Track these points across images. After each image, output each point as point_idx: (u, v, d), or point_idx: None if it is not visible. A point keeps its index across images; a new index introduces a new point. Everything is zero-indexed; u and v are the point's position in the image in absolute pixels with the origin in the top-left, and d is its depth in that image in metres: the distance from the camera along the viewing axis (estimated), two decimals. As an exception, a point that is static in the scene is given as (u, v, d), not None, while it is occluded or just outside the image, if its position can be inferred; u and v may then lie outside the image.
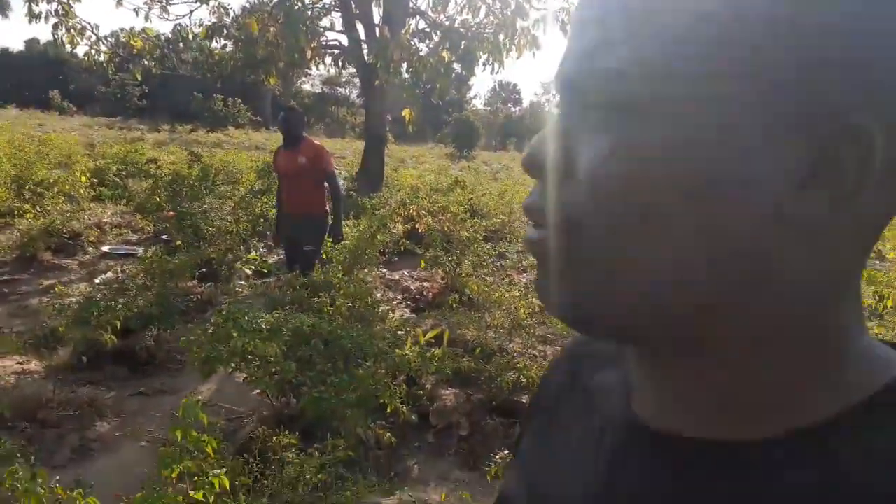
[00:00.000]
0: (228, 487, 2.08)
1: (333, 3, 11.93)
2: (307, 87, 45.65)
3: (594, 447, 0.49)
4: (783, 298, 0.39)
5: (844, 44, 0.35)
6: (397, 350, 3.79)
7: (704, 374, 0.42)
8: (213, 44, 11.77)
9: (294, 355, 3.65)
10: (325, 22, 12.36)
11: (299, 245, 5.26)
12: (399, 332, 4.27)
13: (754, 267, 0.38)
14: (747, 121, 0.36)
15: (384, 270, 7.18)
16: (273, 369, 3.51)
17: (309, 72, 33.01)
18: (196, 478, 2.00)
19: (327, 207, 5.32)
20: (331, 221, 5.32)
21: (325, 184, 5.26)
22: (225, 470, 2.12)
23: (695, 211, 0.37)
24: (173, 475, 1.97)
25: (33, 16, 10.99)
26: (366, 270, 6.00)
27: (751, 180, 0.36)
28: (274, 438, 3.22)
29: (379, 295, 5.81)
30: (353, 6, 11.35)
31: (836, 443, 0.38)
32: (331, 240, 5.36)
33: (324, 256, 5.64)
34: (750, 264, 0.38)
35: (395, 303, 6.06)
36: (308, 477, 2.87)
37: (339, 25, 12.09)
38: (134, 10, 11.43)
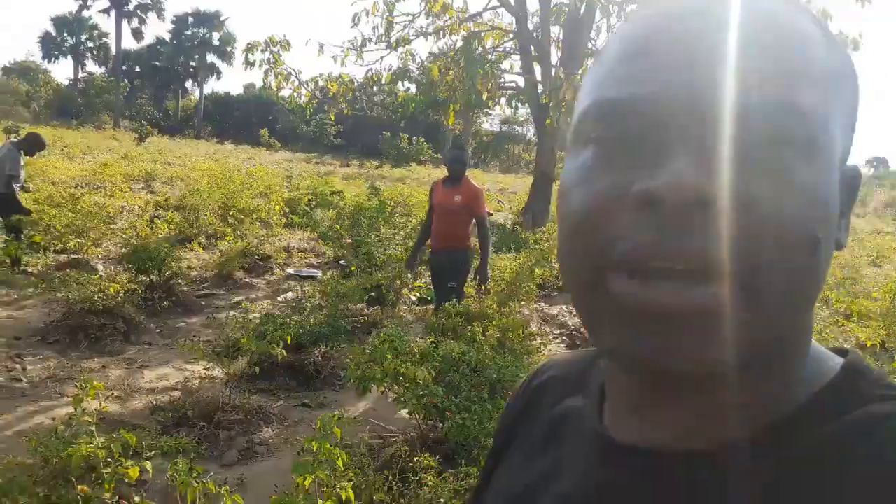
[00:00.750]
0: (353, 500, 2.18)
1: (513, 46, 12.28)
2: (486, 125, 46.93)
3: (568, 469, 0.51)
4: (807, 316, 0.45)
5: (852, 100, 0.45)
6: (544, 384, 3.75)
7: (705, 394, 0.44)
8: (399, 87, 12.58)
9: (443, 380, 3.74)
10: (504, 65, 12.75)
11: (443, 280, 5.35)
12: (548, 368, 4.22)
13: (817, 290, 0.43)
14: (838, 164, 0.43)
15: (542, 304, 7.16)
16: (421, 392, 3.62)
17: (489, 112, 34.03)
18: (325, 488, 2.12)
19: (472, 244, 5.39)
20: (477, 263, 5.35)
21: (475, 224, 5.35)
22: (352, 483, 2.22)
23: (828, 243, 0.42)
24: (306, 483, 2.10)
25: (249, 64, 12.40)
26: (522, 303, 6.01)
27: (837, 213, 0.43)
28: (415, 459, 3.31)
29: (534, 328, 5.80)
30: (533, 49, 11.60)
31: (792, 444, 0.42)
32: (477, 280, 5.33)
33: (466, 293, 5.67)
34: (818, 288, 0.43)
35: (549, 337, 6.01)
36: (443, 501, 2.92)
37: (517, 68, 12.41)
38: (332, 57, 12.50)
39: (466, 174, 5.35)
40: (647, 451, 0.46)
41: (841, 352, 0.48)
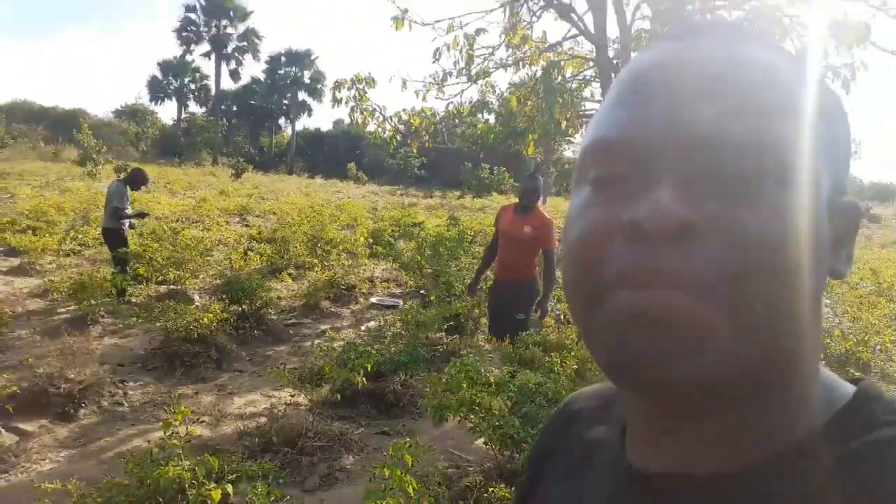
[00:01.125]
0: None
1: (594, 74, 12.22)
2: (568, 153, 46.60)
3: (593, 498, 0.54)
4: (807, 346, 0.46)
5: (841, 136, 0.49)
6: (621, 417, 3.68)
7: (713, 422, 0.46)
8: (479, 118, 12.73)
9: (519, 411, 3.74)
10: (585, 92, 12.70)
11: (507, 311, 5.18)
12: (627, 400, 4.14)
13: (811, 320, 0.45)
14: (824, 194, 0.45)
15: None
16: (497, 422, 3.63)
17: (571, 140, 33.76)
18: (397, 514, 2.16)
19: (537, 275, 5.22)
20: (540, 294, 5.18)
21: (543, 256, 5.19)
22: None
23: (814, 271, 0.44)
24: (378, 508, 2.15)
25: (336, 101, 12.87)
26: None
27: (825, 242, 0.45)
28: (490, 490, 3.31)
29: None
30: (613, 76, 11.51)
31: (810, 462, 0.44)
32: (537, 314, 5.19)
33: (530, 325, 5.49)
34: (812, 318, 0.45)
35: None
36: (517, 532, 2.90)
37: (598, 95, 12.33)
38: (415, 92, 12.83)
39: (539, 204, 5.22)
40: (663, 477, 0.48)
41: (856, 381, 0.50)
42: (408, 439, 2.33)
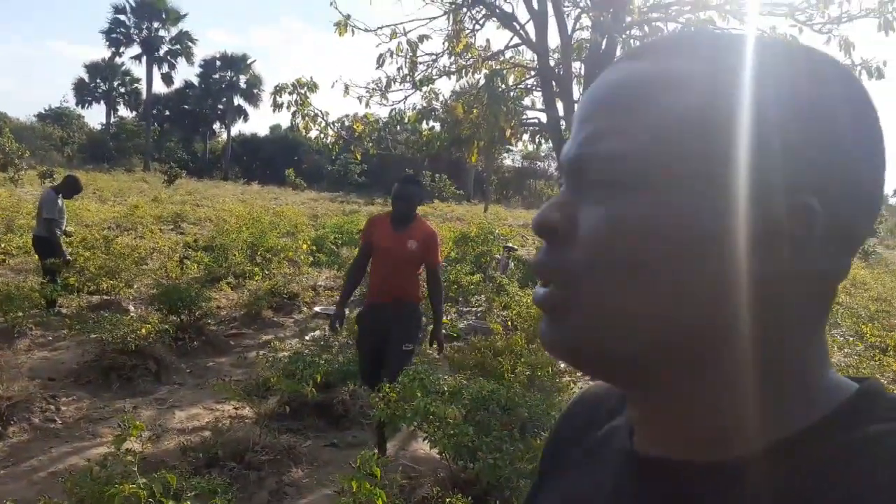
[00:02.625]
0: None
1: (535, 83, 12.39)
2: (508, 161, 47.21)
3: (605, 483, 0.56)
4: (749, 344, 0.46)
5: (789, 140, 0.45)
6: (575, 423, 3.70)
7: (683, 410, 0.49)
8: (423, 125, 12.73)
9: (473, 419, 3.71)
10: (526, 101, 12.86)
11: (388, 340, 4.20)
12: (579, 405, 4.17)
13: (719, 314, 0.46)
14: (715, 195, 0.45)
15: (571, 342, 7.08)
16: (451, 431, 3.60)
17: (510, 148, 34.21)
18: (363, 526, 2.11)
19: (423, 297, 4.46)
20: (425, 321, 4.62)
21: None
22: (390, 521, 2.21)
23: (672, 266, 0.46)
24: (345, 521, 2.09)
25: (277, 106, 12.65)
26: (550, 341, 5.97)
27: (718, 240, 0.45)
28: (447, 501, 3.27)
29: (563, 366, 5.74)
30: (554, 85, 11.70)
31: (791, 459, 0.45)
32: (434, 346, 4.46)
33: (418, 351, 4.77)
34: (716, 311, 0.46)
35: (577, 375, 5.94)
36: (476, 542, 2.87)
37: (539, 104, 12.50)
38: (358, 98, 12.73)
39: (418, 215, 4.32)
40: (663, 461, 0.50)
41: (862, 380, 0.51)
42: (374, 451, 2.27)
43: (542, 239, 0.51)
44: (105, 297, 7.88)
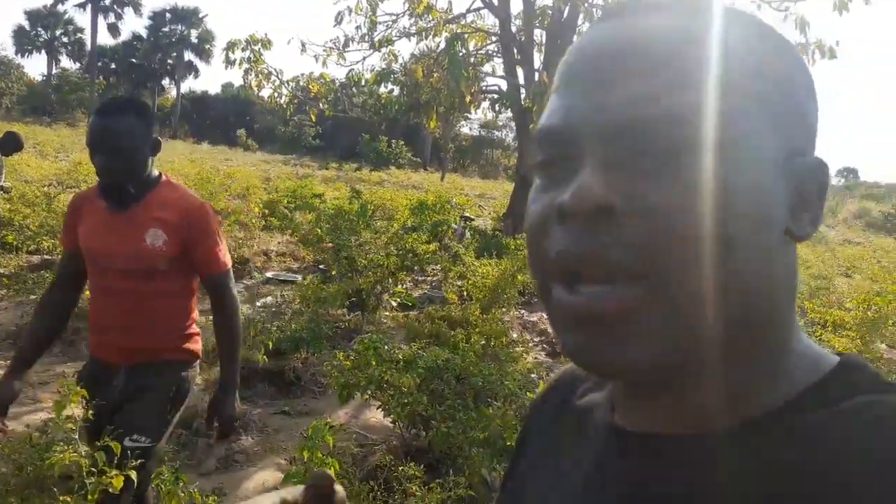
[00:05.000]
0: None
1: (496, 49, 12.29)
2: (465, 130, 47.05)
3: (586, 459, 0.55)
4: (768, 313, 0.46)
5: (798, 100, 0.48)
6: (528, 393, 3.73)
7: (685, 391, 0.47)
8: (381, 88, 12.52)
9: (427, 388, 3.70)
10: (486, 67, 12.75)
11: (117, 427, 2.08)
12: (531, 375, 4.21)
13: (770, 287, 0.45)
14: (768, 159, 0.44)
15: (522, 311, 7.15)
16: (405, 400, 3.58)
17: (468, 116, 34.08)
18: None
19: (194, 348, 2.30)
20: (199, 386, 2.86)
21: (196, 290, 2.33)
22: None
23: (751, 239, 0.43)
24: (296, 492, 2.05)
25: (229, 62, 12.25)
26: (504, 310, 5.99)
27: (772, 207, 0.44)
28: (400, 469, 3.27)
29: (515, 336, 5.78)
30: (515, 52, 11.62)
31: (779, 428, 0.44)
32: (216, 428, 2.30)
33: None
34: (769, 284, 0.45)
35: (530, 345, 6.00)
36: (429, 511, 2.88)
37: (499, 71, 12.42)
38: (314, 56, 12.41)
39: (165, 177, 2.28)
40: (649, 435, 0.49)
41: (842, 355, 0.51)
42: (327, 420, 2.24)
43: (583, 222, 0.43)
44: (46, 257, 7.58)
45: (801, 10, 8.27)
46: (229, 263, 2.28)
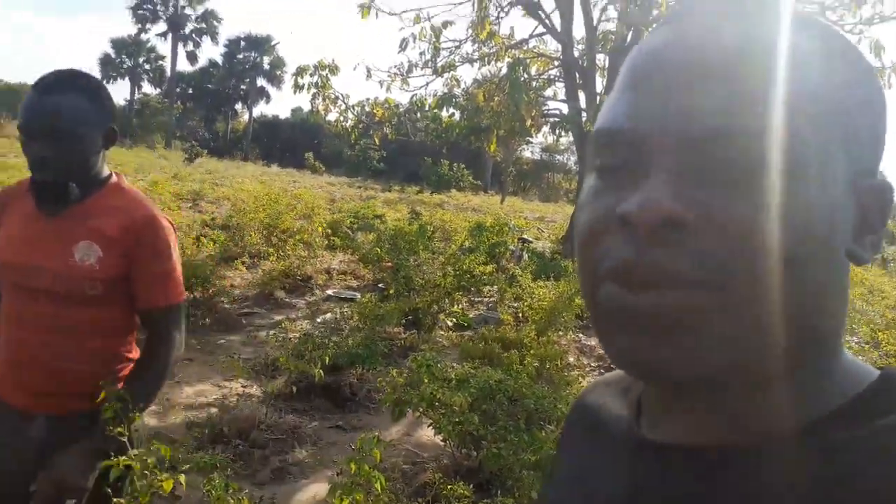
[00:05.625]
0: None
1: (558, 74, 12.30)
2: (526, 154, 47.00)
3: (611, 472, 0.54)
4: (821, 328, 0.46)
5: (870, 119, 0.47)
6: (581, 416, 3.68)
7: (726, 401, 0.46)
8: (443, 113, 12.68)
9: (479, 408, 3.70)
10: (548, 92, 12.77)
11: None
12: (587, 399, 4.14)
13: (825, 303, 0.45)
14: (840, 180, 0.44)
15: (580, 335, 7.06)
16: (457, 419, 3.58)
17: (529, 140, 34.06)
18: (361, 509, 2.10)
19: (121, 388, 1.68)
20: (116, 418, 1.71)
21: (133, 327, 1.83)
22: (388, 505, 2.20)
23: (817, 257, 0.43)
24: None
25: (298, 87, 12.65)
26: (560, 333, 5.93)
27: (839, 230, 0.44)
28: (448, 487, 3.26)
29: (572, 359, 5.71)
30: (577, 76, 11.60)
31: (820, 443, 0.43)
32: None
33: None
34: (825, 301, 0.45)
35: (587, 369, 5.91)
36: (476, 531, 2.86)
37: (561, 95, 12.41)
38: (379, 82, 12.68)
39: (116, 177, 1.83)
40: (680, 448, 0.48)
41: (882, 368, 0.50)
42: (376, 433, 2.26)
43: (649, 233, 0.42)
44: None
45: (875, 34, 8.01)
46: (182, 297, 1.78)
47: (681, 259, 0.41)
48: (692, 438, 0.48)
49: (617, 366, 0.48)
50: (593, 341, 7.03)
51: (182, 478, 1.95)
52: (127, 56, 52.65)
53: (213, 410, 4.41)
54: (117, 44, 52.33)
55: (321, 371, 4.57)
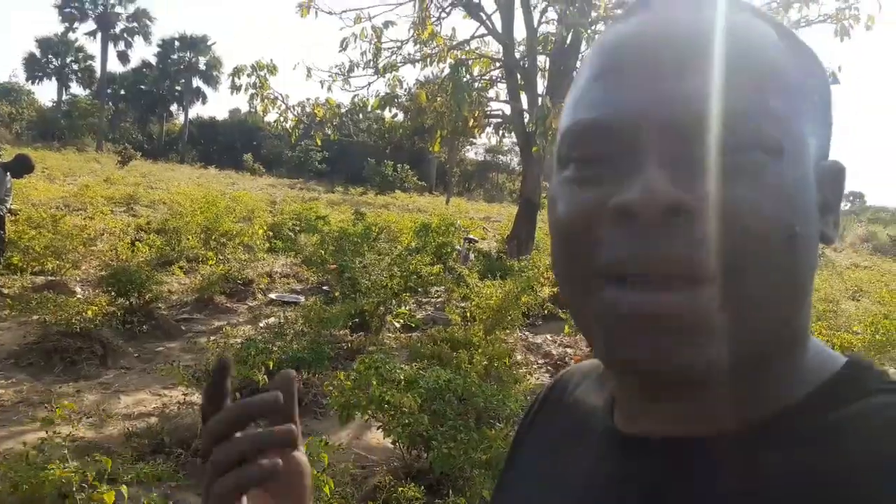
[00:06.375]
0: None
1: (500, 75, 12.38)
2: (471, 154, 47.24)
3: (586, 464, 0.53)
4: (794, 311, 0.46)
5: (826, 105, 0.49)
6: (531, 413, 3.69)
7: (714, 391, 0.45)
8: (386, 113, 12.60)
9: (428, 409, 3.67)
10: (490, 93, 12.84)
11: None
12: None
13: (807, 286, 0.45)
14: (811, 159, 0.45)
15: (526, 333, 7.11)
16: (406, 420, 3.54)
17: (474, 140, 34.26)
18: (311, 513, 2.04)
19: None
20: None
21: None
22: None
23: (809, 236, 0.44)
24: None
25: (235, 88, 12.36)
26: (507, 331, 5.95)
27: (815, 208, 0.45)
28: (399, 490, 3.22)
29: (519, 357, 5.74)
30: (519, 77, 11.70)
31: (794, 430, 0.43)
32: None
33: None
34: (811, 282, 0.46)
35: (534, 366, 5.95)
36: (428, 532, 2.83)
37: (503, 96, 12.50)
38: (320, 82, 12.49)
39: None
40: (654, 440, 0.48)
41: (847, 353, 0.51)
42: (323, 437, 2.21)
43: (651, 223, 0.40)
44: (50, 277, 7.60)
45: (804, 37, 8.33)
46: None
47: (687, 248, 0.40)
48: (669, 431, 0.47)
49: (616, 367, 0.46)
50: (539, 339, 7.09)
51: (124, 489, 1.86)
52: (54, 56, 50.66)
53: (153, 420, 4.25)
54: (43, 43, 50.30)
55: (265, 376, 4.46)
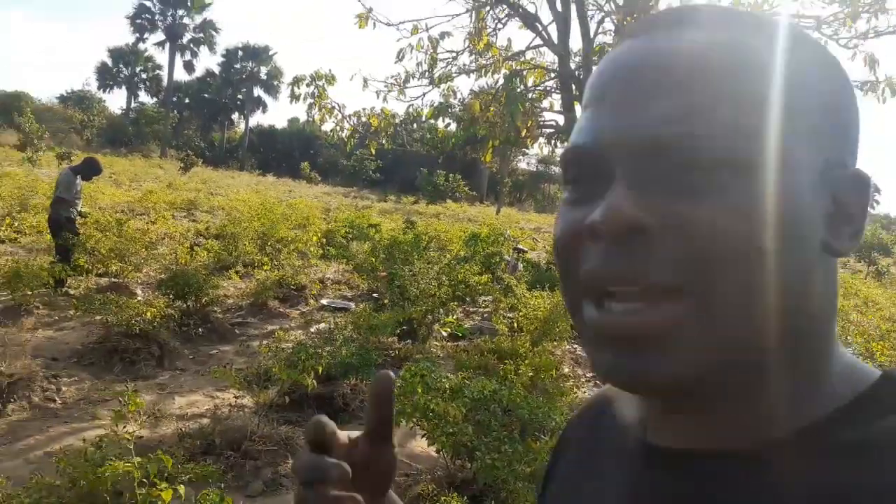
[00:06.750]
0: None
1: (554, 85, 12.31)
2: (523, 165, 47.07)
3: (620, 478, 0.54)
4: (806, 326, 0.45)
5: (836, 110, 0.47)
6: (576, 428, 3.65)
7: (722, 406, 0.46)
8: (439, 123, 12.66)
9: (473, 419, 3.67)
10: (545, 104, 12.77)
11: None
12: (581, 410, 4.12)
13: (807, 300, 0.45)
14: (805, 173, 0.44)
15: (575, 346, 7.03)
16: (450, 429, 3.55)
17: (526, 151, 34.11)
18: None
19: None
20: None
21: None
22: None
23: (787, 253, 0.42)
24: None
25: (294, 97, 12.59)
26: (555, 343, 5.90)
27: (809, 221, 0.44)
28: (442, 499, 3.23)
29: (566, 370, 5.68)
30: (574, 88, 11.61)
31: (820, 445, 0.43)
32: None
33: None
34: (806, 298, 0.45)
35: (581, 380, 5.87)
36: (469, 544, 2.83)
37: (557, 106, 12.42)
38: (376, 92, 12.65)
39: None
40: (684, 452, 0.48)
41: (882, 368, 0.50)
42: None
43: (615, 241, 0.43)
44: (114, 279, 7.90)
45: (870, 48, 8.05)
46: None
47: (646, 268, 0.42)
48: (691, 444, 0.48)
49: (601, 380, 0.48)
50: (588, 352, 7.00)
51: (181, 488, 1.92)
52: (124, 65, 52.65)
53: (205, 421, 4.37)
54: (114, 53, 52.37)
55: (314, 381, 4.54)
